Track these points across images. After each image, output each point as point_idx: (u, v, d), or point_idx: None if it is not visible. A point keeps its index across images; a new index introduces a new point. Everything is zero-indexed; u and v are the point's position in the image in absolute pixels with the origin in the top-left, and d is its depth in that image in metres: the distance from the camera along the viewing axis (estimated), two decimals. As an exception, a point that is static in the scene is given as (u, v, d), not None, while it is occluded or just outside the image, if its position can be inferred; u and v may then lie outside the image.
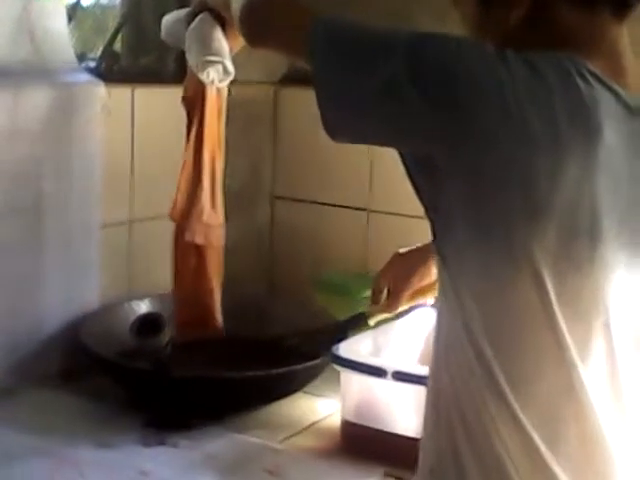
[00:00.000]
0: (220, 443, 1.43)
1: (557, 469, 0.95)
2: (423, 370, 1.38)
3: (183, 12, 1.41)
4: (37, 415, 1.48)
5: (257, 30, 1.19)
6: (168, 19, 1.43)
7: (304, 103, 2.02)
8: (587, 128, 0.92)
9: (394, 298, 1.53)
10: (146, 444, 1.40)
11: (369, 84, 0.96)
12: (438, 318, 1.03)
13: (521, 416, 0.94)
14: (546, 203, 0.91)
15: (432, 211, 0.98)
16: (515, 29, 1.00)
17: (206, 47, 1.36)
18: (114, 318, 1.63)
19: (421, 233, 2.00)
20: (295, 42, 1.06)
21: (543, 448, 0.94)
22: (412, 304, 1.54)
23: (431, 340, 1.59)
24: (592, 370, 0.95)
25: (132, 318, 1.51)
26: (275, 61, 2.05)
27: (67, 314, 1.62)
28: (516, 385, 0.94)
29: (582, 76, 0.93)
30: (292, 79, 2.06)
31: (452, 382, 0.98)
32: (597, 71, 0.94)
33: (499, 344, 0.94)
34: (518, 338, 0.94)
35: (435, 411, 1.02)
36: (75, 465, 1.33)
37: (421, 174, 0.98)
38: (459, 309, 0.96)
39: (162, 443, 1.41)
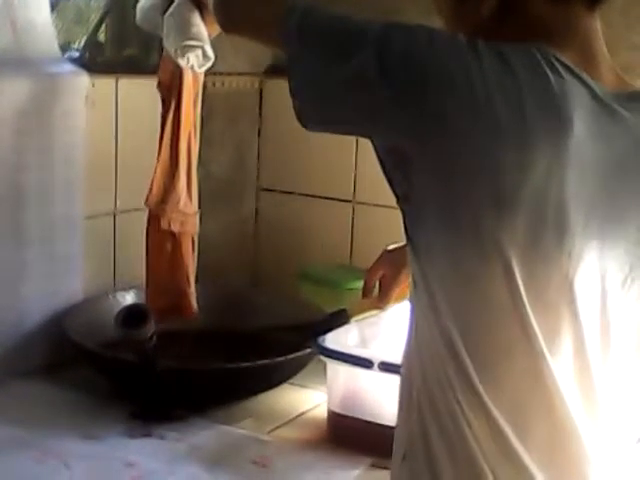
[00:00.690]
0: (206, 434, 1.42)
1: (525, 457, 0.95)
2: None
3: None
4: (22, 407, 1.47)
5: (231, 16, 1.19)
6: (144, 5, 1.41)
7: (289, 94, 2.03)
8: (556, 119, 0.92)
9: (384, 294, 1.54)
10: (131, 435, 1.40)
11: (339, 73, 0.96)
12: (410, 306, 1.03)
13: (489, 404, 0.94)
14: (514, 195, 0.91)
15: (403, 201, 0.98)
16: (488, 20, 1.00)
17: (185, 32, 1.35)
18: (98, 310, 1.63)
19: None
20: (268, 29, 1.07)
21: (511, 436, 0.95)
22: (401, 299, 1.54)
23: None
24: (561, 362, 0.95)
25: (117, 309, 1.49)
26: (260, 52, 2.04)
27: (51, 306, 1.61)
28: (484, 373, 0.94)
29: (552, 66, 0.93)
30: (277, 70, 2.06)
31: (422, 369, 0.99)
32: (567, 62, 0.94)
33: (468, 333, 0.94)
34: (486, 327, 0.95)
35: (407, 398, 1.03)
36: (60, 457, 1.32)
37: (391, 164, 0.98)
38: (428, 298, 0.96)
39: (148, 434, 1.40)
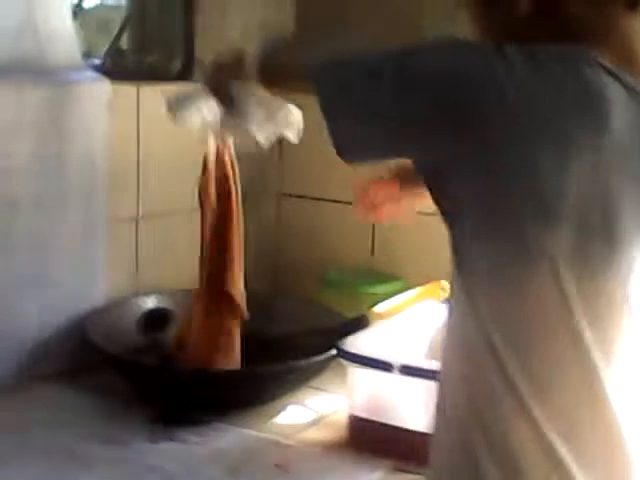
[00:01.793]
0: (228, 438, 1.43)
1: (574, 468, 0.94)
2: (430, 364, 1.38)
3: (194, 90, 1.39)
4: (44, 412, 1.48)
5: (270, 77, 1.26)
6: (183, 100, 1.40)
7: (310, 99, 2.04)
8: (594, 120, 0.91)
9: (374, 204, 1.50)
10: (153, 440, 1.40)
11: (370, 102, 0.98)
12: (450, 318, 1.02)
13: (539, 418, 0.93)
14: (557, 200, 0.90)
15: (445, 214, 0.98)
16: (522, 22, 0.99)
17: (277, 116, 1.38)
18: (121, 314, 1.64)
19: (429, 229, 2.00)
20: (299, 80, 1.10)
21: (562, 449, 0.94)
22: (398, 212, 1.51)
23: (438, 334, 1.60)
24: (613, 372, 0.94)
25: (139, 314, 1.51)
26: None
27: (74, 310, 1.62)
28: (533, 386, 0.93)
29: (588, 68, 0.92)
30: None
31: (466, 382, 0.98)
32: (605, 62, 0.93)
33: (515, 345, 0.93)
34: (535, 338, 0.93)
35: (447, 410, 1.02)
36: (82, 461, 1.33)
37: (431, 178, 0.99)
38: (472, 313, 0.95)
39: (170, 439, 1.41)
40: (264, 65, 1.27)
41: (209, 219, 1.50)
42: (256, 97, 1.34)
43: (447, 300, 1.04)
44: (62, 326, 1.61)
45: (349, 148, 1.02)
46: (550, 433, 0.93)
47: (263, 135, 1.34)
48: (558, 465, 0.94)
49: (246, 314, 1.53)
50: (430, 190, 1.00)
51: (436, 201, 0.99)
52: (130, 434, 1.42)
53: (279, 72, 1.24)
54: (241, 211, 1.54)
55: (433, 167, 0.97)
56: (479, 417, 0.96)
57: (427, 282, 1.67)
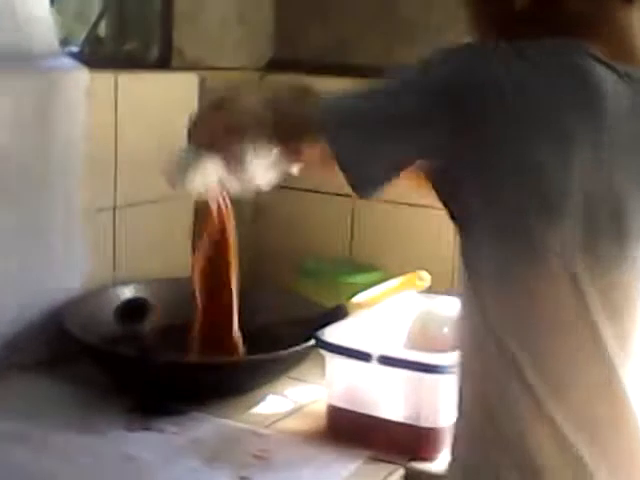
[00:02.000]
0: (206, 428, 1.43)
1: (593, 466, 0.95)
2: (408, 354, 1.38)
3: (193, 151, 1.31)
4: (21, 401, 1.47)
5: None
6: (183, 165, 1.32)
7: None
8: (594, 118, 0.91)
9: None
10: (131, 429, 1.40)
11: (370, 115, 0.99)
12: (461, 316, 1.02)
13: (557, 418, 0.94)
14: (562, 196, 0.90)
15: (454, 216, 0.99)
16: (520, 20, 0.99)
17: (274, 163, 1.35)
18: (98, 304, 1.63)
19: (407, 219, 2.01)
20: (304, 128, 1.10)
21: (578, 445, 0.94)
22: None
23: (416, 324, 1.61)
24: (629, 368, 0.94)
25: (116, 304, 1.50)
26: (259, 47, 2.05)
27: (51, 300, 1.61)
28: (550, 386, 0.94)
29: (582, 61, 0.92)
30: (277, 65, 2.06)
31: (479, 380, 0.98)
32: (599, 54, 0.93)
33: (529, 346, 0.94)
34: (551, 338, 0.94)
35: (462, 407, 1.03)
36: (59, 451, 1.33)
37: (438, 181, 0.99)
38: (481, 310, 0.96)
39: (147, 428, 1.41)
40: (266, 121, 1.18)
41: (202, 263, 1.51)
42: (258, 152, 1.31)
43: (458, 297, 1.05)
44: (39, 316, 1.60)
45: (363, 177, 1.01)
46: (568, 432, 0.94)
47: (265, 182, 1.32)
48: (576, 463, 0.95)
49: (242, 351, 1.53)
50: (437, 193, 1.00)
51: (444, 204, 1.00)
52: (107, 423, 1.41)
53: (284, 126, 1.17)
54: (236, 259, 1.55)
55: (437, 169, 0.97)
56: (493, 416, 0.97)
57: (405, 272, 1.67)
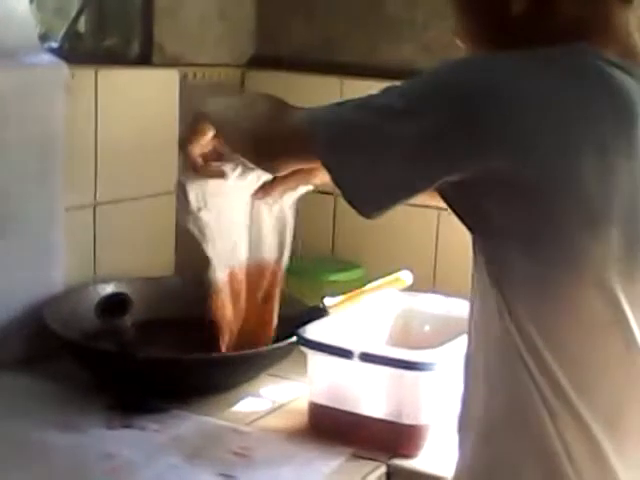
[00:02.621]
0: (187, 425, 1.42)
1: (617, 464, 0.95)
2: (390, 351, 1.38)
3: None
4: (1, 398, 1.46)
5: (257, 151, 1.17)
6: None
7: (271, 86, 2.02)
8: (623, 118, 0.91)
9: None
10: (111, 427, 1.39)
11: (375, 134, 0.96)
12: (478, 320, 1.01)
13: (589, 423, 0.94)
14: (604, 206, 0.90)
15: (473, 227, 0.97)
16: (516, 26, 0.98)
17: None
18: (79, 301, 1.62)
19: (389, 217, 2.00)
20: (295, 146, 1.07)
21: (610, 454, 0.95)
22: None
23: (399, 322, 1.61)
24: None
25: (97, 300, 1.49)
26: (242, 44, 2.04)
27: (31, 297, 1.60)
28: (582, 391, 0.94)
29: (604, 65, 0.92)
30: (259, 62, 2.05)
31: (507, 393, 0.98)
32: (613, 58, 0.93)
33: (562, 353, 0.94)
34: (584, 345, 0.94)
35: (475, 410, 1.02)
36: (39, 448, 1.32)
37: (456, 196, 0.97)
38: (508, 317, 0.95)
39: (127, 426, 1.40)
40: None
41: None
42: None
43: (472, 299, 1.04)
44: (19, 313, 1.59)
45: (365, 198, 0.99)
46: (596, 432, 0.94)
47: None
48: (603, 464, 0.95)
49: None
50: (452, 204, 0.98)
51: (458, 212, 0.98)
52: (87, 421, 1.40)
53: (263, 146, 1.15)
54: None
55: (457, 186, 0.95)
56: (516, 419, 0.97)
57: (388, 270, 1.66)
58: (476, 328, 1.02)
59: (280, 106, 1.14)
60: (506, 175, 0.91)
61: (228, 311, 1.48)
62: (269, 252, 1.47)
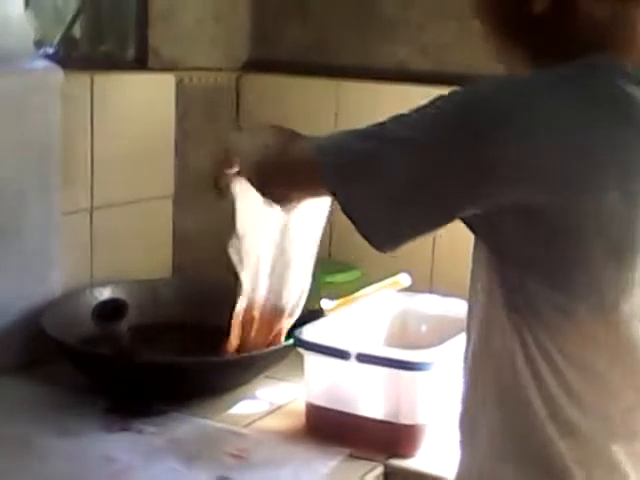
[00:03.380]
0: (184, 428, 1.42)
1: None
2: (387, 351, 1.38)
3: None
4: (-1, 403, 1.47)
5: (265, 181, 1.17)
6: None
7: (266, 89, 2.03)
8: None
9: None
10: (109, 430, 1.39)
11: (401, 182, 0.93)
12: (484, 338, 1.01)
13: (594, 429, 0.95)
14: (627, 236, 0.90)
15: (492, 252, 0.95)
16: (540, 25, 0.97)
17: None
18: (76, 305, 1.62)
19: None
20: (309, 177, 1.05)
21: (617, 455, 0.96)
22: None
23: (396, 322, 1.61)
24: None
25: (94, 305, 1.49)
26: (237, 47, 2.05)
27: (28, 302, 1.60)
28: (590, 412, 0.95)
29: (628, 87, 0.90)
30: (254, 65, 2.06)
31: (504, 404, 0.98)
32: (635, 70, 0.91)
33: (580, 376, 0.94)
34: (602, 361, 0.95)
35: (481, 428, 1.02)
36: (37, 452, 1.32)
37: (477, 225, 0.96)
38: (523, 340, 0.95)
39: (125, 429, 1.40)
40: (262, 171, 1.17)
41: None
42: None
43: (471, 318, 1.04)
44: (17, 318, 1.59)
45: (381, 233, 0.97)
46: (606, 443, 0.96)
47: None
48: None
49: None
50: (472, 230, 0.97)
51: (481, 240, 0.97)
52: (86, 425, 1.40)
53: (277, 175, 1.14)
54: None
55: (479, 216, 0.94)
56: (525, 433, 0.97)
57: (385, 271, 1.66)
58: (482, 346, 1.02)
59: (288, 137, 1.13)
60: (528, 206, 0.90)
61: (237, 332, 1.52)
62: (288, 298, 1.50)
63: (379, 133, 0.97)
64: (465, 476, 1.06)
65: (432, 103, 0.94)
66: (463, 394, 1.07)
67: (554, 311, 0.92)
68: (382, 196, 0.95)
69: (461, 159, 0.90)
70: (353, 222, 0.97)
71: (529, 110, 0.88)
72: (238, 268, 1.44)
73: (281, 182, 1.13)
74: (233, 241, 1.40)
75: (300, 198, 1.16)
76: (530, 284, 0.93)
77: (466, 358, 1.06)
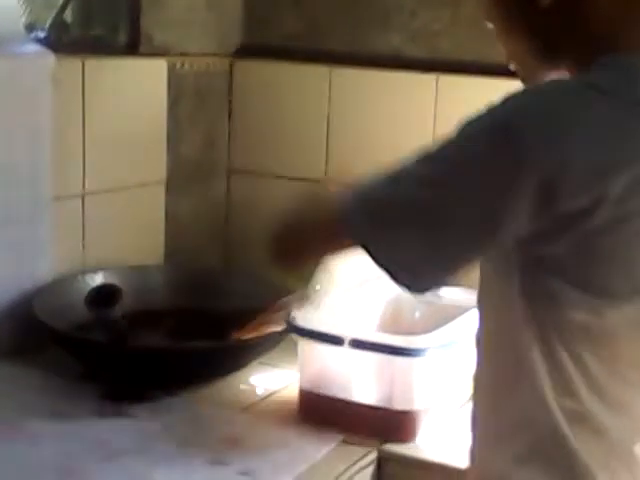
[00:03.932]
0: (178, 414, 1.42)
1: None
2: (380, 337, 1.38)
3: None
4: (-9, 389, 1.46)
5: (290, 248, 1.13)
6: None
7: (259, 75, 2.03)
8: None
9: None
10: (102, 415, 1.39)
11: (435, 225, 0.92)
12: (500, 335, 1.00)
13: (610, 427, 0.96)
14: None
15: (524, 265, 0.94)
16: (549, 21, 0.96)
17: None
18: (68, 291, 1.61)
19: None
20: (335, 236, 1.00)
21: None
22: None
23: (389, 308, 1.60)
24: None
25: (86, 290, 1.49)
26: (230, 33, 2.03)
27: (20, 288, 1.59)
28: (608, 401, 0.96)
29: None
30: (247, 51, 2.05)
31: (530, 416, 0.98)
32: None
33: (601, 372, 0.95)
34: (619, 370, 0.96)
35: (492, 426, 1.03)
36: (30, 436, 1.32)
37: (508, 266, 0.95)
38: (547, 343, 0.94)
39: (119, 414, 1.40)
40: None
41: None
42: None
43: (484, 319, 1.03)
44: (8, 304, 1.58)
45: (418, 277, 0.94)
46: (604, 422, 0.95)
47: None
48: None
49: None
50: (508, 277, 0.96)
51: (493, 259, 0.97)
52: (79, 410, 1.40)
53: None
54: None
55: (518, 252, 0.93)
56: (544, 434, 0.96)
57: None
58: (496, 344, 1.02)
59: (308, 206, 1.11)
60: (574, 219, 0.89)
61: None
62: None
63: (403, 176, 0.94)
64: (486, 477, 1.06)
65: (455, 140, 0.91)
66: (476, 374, 1.06)
67: (580, 307, 0.93)
68: (414, 240, 0.93)
69: (499, 199, 0.88)
70: (384, 270, 0.94)
71: (557, 135, 0.88)
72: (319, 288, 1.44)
73: (302, 244, 1.09)
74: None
75: (314, 257, 1.13)
76: (555, 281, 0.93)
77: (479, 340, 1.05)
